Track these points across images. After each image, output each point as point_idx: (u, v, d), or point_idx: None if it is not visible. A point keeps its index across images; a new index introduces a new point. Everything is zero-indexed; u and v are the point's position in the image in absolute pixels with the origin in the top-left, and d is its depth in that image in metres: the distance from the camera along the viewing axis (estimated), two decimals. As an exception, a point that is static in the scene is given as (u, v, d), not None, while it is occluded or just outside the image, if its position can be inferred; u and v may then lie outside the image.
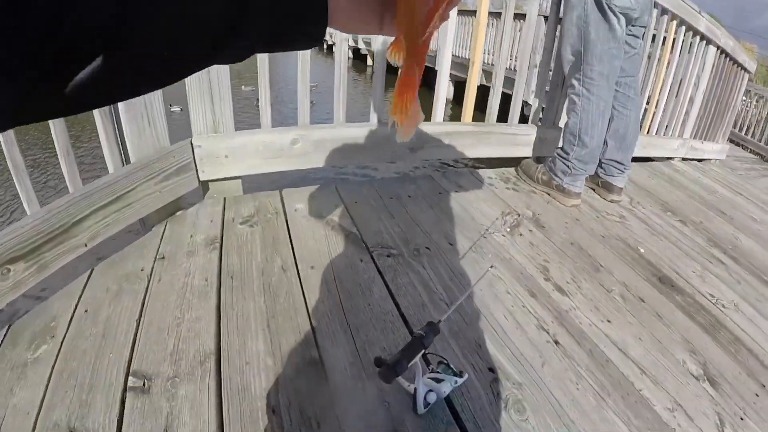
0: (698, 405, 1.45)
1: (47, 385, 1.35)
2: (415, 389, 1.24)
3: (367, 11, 0.48)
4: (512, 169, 2.92)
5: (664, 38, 3.46)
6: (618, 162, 2.67)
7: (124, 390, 1.33)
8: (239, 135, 2.23)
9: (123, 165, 1.94)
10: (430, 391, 1.24)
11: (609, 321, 1.72)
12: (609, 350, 1.58)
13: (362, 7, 0.47)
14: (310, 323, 1.55)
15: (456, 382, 1.28)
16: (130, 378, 1.36)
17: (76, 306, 1.64)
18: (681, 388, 1.50)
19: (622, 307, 1.80)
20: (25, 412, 1.27)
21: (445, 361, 1.34)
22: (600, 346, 1.59)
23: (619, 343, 1.62)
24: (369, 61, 19.97)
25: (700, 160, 4.14)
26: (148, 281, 1.73)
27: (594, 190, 2.79)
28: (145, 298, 1.66)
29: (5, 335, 1.53)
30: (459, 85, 8.49)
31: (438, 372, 1.30)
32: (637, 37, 2.49)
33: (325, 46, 26.88)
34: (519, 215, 2.35)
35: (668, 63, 3.64)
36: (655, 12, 3.08)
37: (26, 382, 1.36)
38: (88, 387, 1.34)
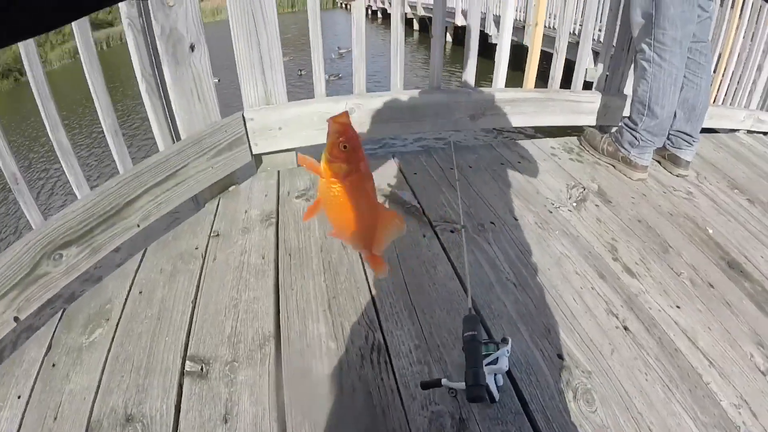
0: (763, 402, 1.34)
1: (103, 370, 1.33)
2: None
3: None
4: (575, 139, 2.78)
5: (733, 0, 3.27)
6: (687, 134, 2.51)
7: (182, 375, 1.30)
8: (292, 106, 2.17)
9: (173, 142, 1.90)
10: (495, 374, 1.18)
11: (678, 307, 1.61)
12: (678, 339, 1.48)
13: None
14: (373, 304, 1.49)
15: (507, 351, 1.19)
16: (187, 362, 1.33)
17: (131, 287, 1.62)
18: (747, 384, 1.39)
19: (691, 293, 1.69)
20: (82, 397, 1.26)
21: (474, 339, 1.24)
22: (669, 334, 1.49)
23: (688, 331, 1.52)
24: (415, 26, 19.56)
25: (765, 134, 3.93)
26: (203, 260, 1.70)
27: (660, 162, 2.64)
28: (200, 277, 1.62)
29: (60, 319, 1.52)
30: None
31: (487, 353, 1.21)
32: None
33: (369, 12, 26.69)
34: (584, 188, 2.23)
35: (737, 28, 3.44)
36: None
37: (82, 367, 1.35)
38: (144, 371, 1.32)
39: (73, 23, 1.59)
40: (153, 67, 1.80)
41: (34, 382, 1.32)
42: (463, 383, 1.14)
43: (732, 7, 3.32)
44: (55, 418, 1.22)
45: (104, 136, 1.70)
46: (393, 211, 0.67)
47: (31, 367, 1.37)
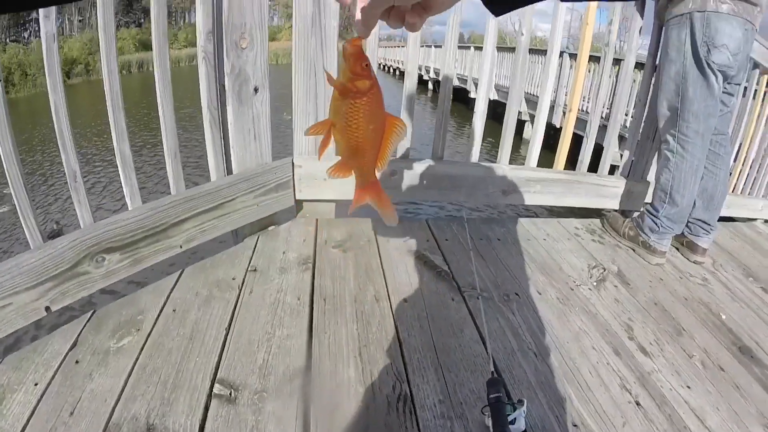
0: (768, 484, 1.39)
1: (128, 377, 1.38)
2: None
3: None
4: (597, 221, 2.88)
5: (755, 91, 3.37)
6: (704, 222, 2.59)
7: (209, 396, 1.34)
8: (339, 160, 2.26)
9: (225, 175, 1.99)
10: None
11: (689, 387, 1.65)
12: (687, 417, 1.52)
13: None
14: (402, 357, 1.55)
15: (524, 412, 1.24)
16: (216, 385, 1.37)
17: (164, 304, 1.69)
18: (753, 465, 1.43)
19: (702, 374, 1.73)
20: (103, 399, 1.30)
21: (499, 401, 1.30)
22: (679, 411, 1.53)
23: (697, 410, 1.56)
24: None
25: (783, 224, 3.98)
26: (240, 291, 1.77)
27: (678, 249, 2.72)
28: (235, 307, 1.69)
29: (89, 320, 1.58)
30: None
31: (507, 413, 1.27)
32: (732, 95, 2.44)
33: (397, 73, 27.09)
34: (605, 269, 2.31)
35: (758, 117, 3.54)
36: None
37: (107, 369, 1.40)
38: (171, 386, 1.36)
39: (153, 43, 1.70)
40: (218, 101, 1.92)
41: (54, 374, 1.36)
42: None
43: (754, 98, 3.42)
44: (72, 414, 1.25)
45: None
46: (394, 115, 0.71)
47: (53, 359, 1.41)
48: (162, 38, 1.70)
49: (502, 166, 2.60)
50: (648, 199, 2.74)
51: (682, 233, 2.65)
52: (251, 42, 1.89)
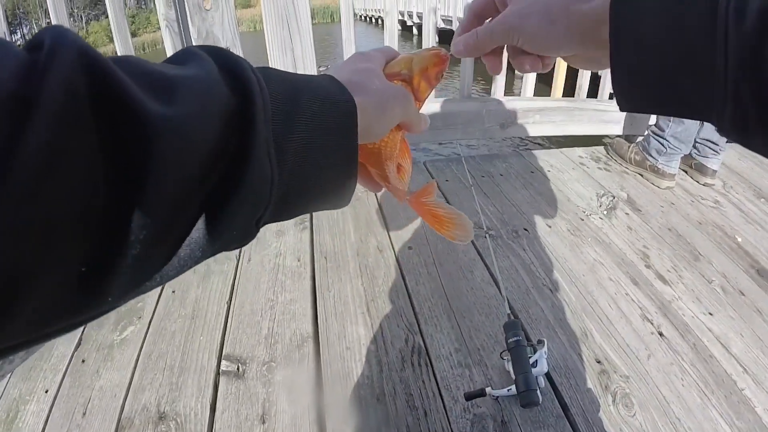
0: (796, 409, 1.35)
1: (135, 367, 1.34)
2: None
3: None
4: (602, 148, 2.79)
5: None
6: (713, 142, 2.49)
7: (217, 374, 1.30)
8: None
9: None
10: (537, 377, 1.18)
11: (711, 314, 1.61)
12: (712, 345, 1.48)
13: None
14: (412, 307, 1.49)
15: (545, 353, 1.21)
16: (222, 362, 1.33)
17: (163, 287, 1.62)
18: (780, 390, 1.39)
19: (723, 300, 1.68)
20: (113, 394, 1.26)
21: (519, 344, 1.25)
22: (703, 340, 1.49)
23: (721, 338, 1.51)
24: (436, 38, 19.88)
25: (790, 142, 3.90)
26: (237, 261, 1.71)
27: (686, 172, 2.63)
28: (235, 278, 1.63)
29: None
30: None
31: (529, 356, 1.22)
32: None
33: (380, 21, 27.00)
34: (614, 197, 2.24)
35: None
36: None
37: (113, 363, 1.35)
38: (178, 370, 1.32)
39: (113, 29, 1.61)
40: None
41: (63, 377, 1.33)
42: (506, 389, 1.15)
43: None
44: (84, 414, 1.22)
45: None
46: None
47: (59, 362, 1.38)
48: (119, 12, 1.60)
49: (498, 98, 2.51)
50: (652, 122, 2.64)
51: (690, 155, 2.56)
52: (215, 2, 1.78)
